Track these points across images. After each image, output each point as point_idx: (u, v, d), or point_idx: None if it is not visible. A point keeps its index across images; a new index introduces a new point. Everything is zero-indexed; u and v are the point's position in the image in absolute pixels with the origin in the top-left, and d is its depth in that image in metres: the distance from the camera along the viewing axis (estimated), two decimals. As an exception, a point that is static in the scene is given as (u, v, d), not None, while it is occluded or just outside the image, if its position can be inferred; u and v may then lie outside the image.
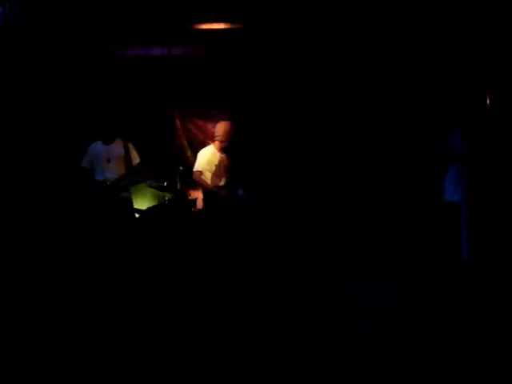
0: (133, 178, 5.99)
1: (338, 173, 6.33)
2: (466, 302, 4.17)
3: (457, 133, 5.18)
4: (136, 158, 6.04)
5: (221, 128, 6.33)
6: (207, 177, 6.24)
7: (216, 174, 6.26)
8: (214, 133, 6.44)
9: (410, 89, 5.98)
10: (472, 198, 4.60)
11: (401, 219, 5.54)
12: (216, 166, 6.26)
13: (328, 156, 6.44)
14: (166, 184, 6.11)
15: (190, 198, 6.24)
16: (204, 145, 6.80)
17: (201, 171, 6.24)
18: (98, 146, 6.03)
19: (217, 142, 6.34)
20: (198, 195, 6.38)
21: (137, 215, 6.12)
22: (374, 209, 5.80)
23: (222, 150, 6.32)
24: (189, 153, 7.06)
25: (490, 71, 4.61)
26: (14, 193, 5.73)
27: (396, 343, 3.83)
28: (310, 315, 3.92)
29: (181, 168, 6.31)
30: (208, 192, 6.20)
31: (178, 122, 7.19)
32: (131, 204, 6.08)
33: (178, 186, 6.23)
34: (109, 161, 5.91)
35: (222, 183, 6.30)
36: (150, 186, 6.20)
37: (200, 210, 6.21)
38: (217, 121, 6.67)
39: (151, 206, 6.31)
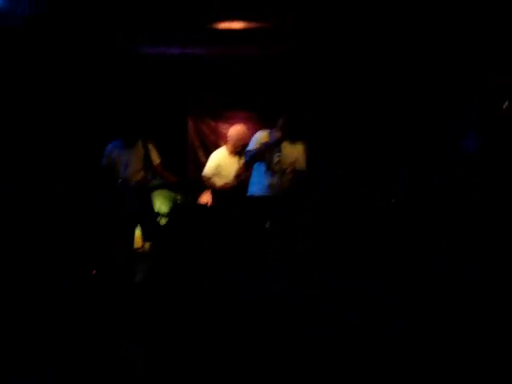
0: (156, 183, 6.04)
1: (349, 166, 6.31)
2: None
3: (472, 131, 5.16)
4: (156, 159, 5.88)
5: (233, 131, 6.29)
6: (215, 181, 6.21)
7: (225, 178, 6.23)
8: (226, 135, 6.43)
9: (426, 84, 5.95)
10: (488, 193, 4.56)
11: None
12: (225, 169, 6.23)
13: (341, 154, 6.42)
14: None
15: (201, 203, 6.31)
16: (216, 145, 6.79)
17: (209, 176, 6.23)
18: (117, 146, 5.83)
19: (228, 145, 6.30)
20: (207, 199, 6.34)
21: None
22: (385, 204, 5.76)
23: (235, 152, 6.27)
24: (200, 153, 7.06)
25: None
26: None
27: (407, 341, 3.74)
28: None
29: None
30: (217, 193, 6.18)
31: (190, 123, 7.19)
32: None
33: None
34: (129, 162, 5.78)
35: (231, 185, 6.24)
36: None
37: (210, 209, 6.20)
38: (229, 122, 6.66)
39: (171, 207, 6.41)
